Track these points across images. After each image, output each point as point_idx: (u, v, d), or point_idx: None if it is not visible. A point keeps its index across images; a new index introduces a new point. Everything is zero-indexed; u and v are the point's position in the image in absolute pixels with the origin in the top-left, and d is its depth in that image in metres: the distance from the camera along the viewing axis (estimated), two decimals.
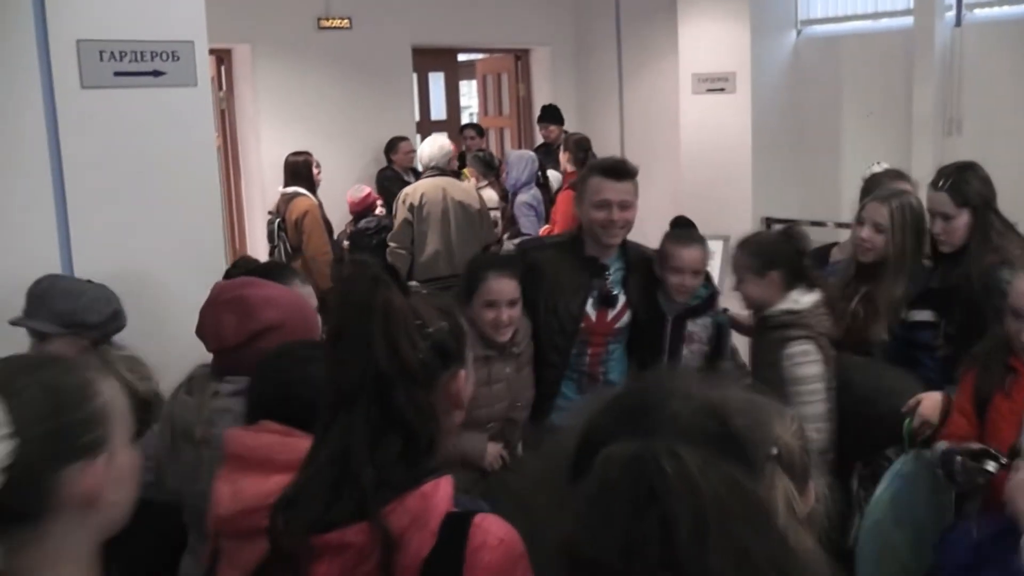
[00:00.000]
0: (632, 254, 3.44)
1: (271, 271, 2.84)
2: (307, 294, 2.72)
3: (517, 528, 1.46)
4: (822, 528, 1.60)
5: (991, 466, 2.51)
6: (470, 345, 1.63)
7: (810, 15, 8.01)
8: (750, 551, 0.99)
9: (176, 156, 3.72)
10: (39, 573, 1.27)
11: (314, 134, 7.74)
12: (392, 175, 7.91)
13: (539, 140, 9.02)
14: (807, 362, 3.08)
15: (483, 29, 9.20)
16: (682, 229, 3.46)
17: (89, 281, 3.11)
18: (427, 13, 8.56)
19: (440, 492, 1.45)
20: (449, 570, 1.41)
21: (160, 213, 3.68)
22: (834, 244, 4.16)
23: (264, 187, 7.83)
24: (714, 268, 5.89)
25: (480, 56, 10.75)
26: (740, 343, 3.70)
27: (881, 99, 7.46)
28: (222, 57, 7.92)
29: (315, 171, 6.76)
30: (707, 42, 7.99)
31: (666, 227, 3.51)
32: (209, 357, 2.64)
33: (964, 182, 3.23)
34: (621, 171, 3.34)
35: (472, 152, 7.93)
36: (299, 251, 6.45)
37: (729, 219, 7.19)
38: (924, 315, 3.25)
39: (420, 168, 6.75)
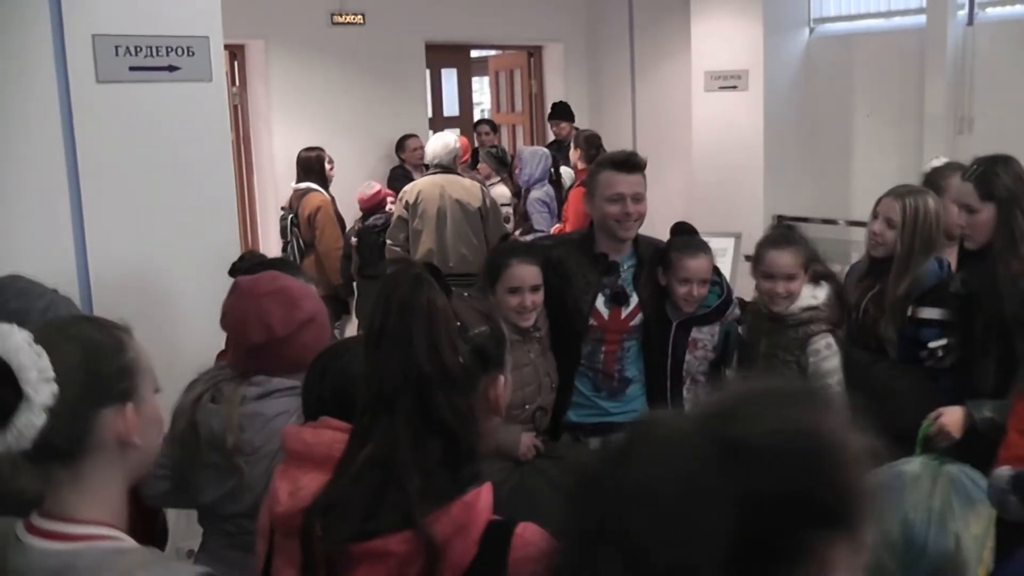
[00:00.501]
0: (643, 248, 3.39)
1: (278, 268, 2.81)
2: (312, 293, 2.71)
3: (555, 515, 1.47)
4: None
5: None
6: (509, 350, 1.61)
7: (823, 13, 8.02)
8: None
9: (191, 151, 3.73)
10: (76, 507, 1.43)
11: (327, 130, 7.77)
12: (401, 173, 7.94)
13: (551, 137, 9.01)
14: (831, 355, 3.12)
15: (496, 25, 9.22)
16: (686, 236, 3.38)
17: (55, 291, 2.63)
18: (440, 9, 8.58)
19: (482, 500, 1.45)
20: None
21: (175, 208, 3.69)
22: None
23: (277, 183, 7.86)
24: (725, 266, 5.88)
25: (493, 52, 10.76)
26: None
27: (893, 97, 7.45)
28: (235, 53, 7.95)
29: (328, 167, 6.76)
30: (720, 40, 7.99)
31: None
32: (212, 356, 2.63)
33: (992, 175, 3.00)
34: (632, 164, 3.29)
35: (485, 148, 7.93)
36: (312, 246, 6.48)
37: (741, 217, 7.21)
38: (932, 312, 3.12)
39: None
